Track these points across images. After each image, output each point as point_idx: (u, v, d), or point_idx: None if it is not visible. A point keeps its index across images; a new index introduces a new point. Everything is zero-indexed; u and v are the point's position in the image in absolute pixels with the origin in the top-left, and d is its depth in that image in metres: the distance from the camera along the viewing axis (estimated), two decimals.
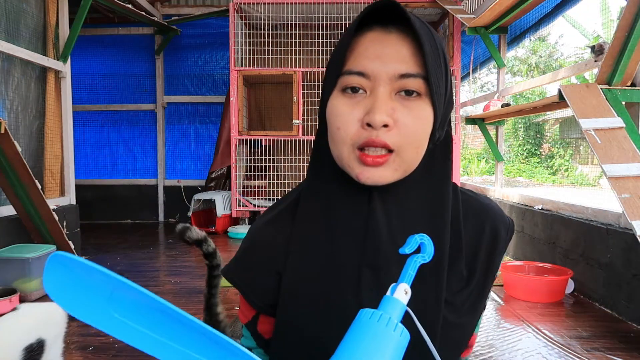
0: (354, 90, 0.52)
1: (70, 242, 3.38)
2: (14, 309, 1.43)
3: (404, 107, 0.51)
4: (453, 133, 4.65)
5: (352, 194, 0.55)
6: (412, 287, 0.46)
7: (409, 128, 0.51)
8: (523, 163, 13.83)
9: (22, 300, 2.85)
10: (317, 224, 0.57)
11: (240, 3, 4.84)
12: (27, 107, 3.67)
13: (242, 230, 5.04)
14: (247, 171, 5.37)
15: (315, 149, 0.59)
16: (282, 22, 5.04)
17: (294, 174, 5.12)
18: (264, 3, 4.82)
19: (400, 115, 0.50)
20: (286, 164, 5.18)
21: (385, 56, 0.50)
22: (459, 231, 0.58)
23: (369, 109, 0.50)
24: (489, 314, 2.59)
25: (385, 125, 0.50)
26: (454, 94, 0.56)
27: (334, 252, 0.55)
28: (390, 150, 0.51)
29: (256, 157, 5.33)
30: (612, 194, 2.23)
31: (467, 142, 14.60)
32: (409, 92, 0.51)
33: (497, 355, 2.08)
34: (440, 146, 0.57)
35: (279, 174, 5.28)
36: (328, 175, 0.57)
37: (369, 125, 0.50)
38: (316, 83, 4.97)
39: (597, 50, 2.64)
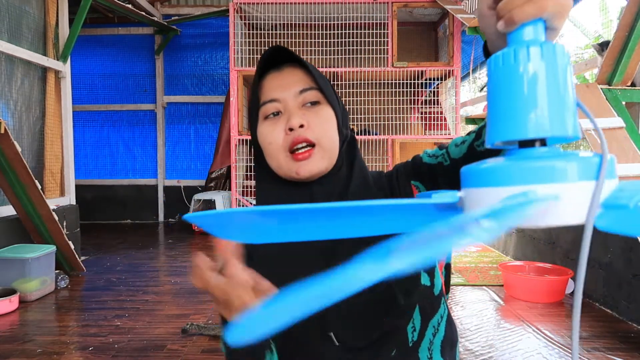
0: (274, 114, 0.70)
1: (70, 242, 3.38)
2: None
3: (312, 112, 0.69)
4: (453, 133, 4.68)
5: (296, 191, 0.71)
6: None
7: (319, 124, 0.68)
8: None
9: (22, 300, 2.85)
10: None
11: (240, 3, 4.84)
12: (30, 108, 3.67)
13: None
14: (247, 171, 5.37)
15: (257, 168, 0.75)
16: (282, 22, 5.04)
17: None
18: (264, 3, 4.81)
19: (310, 118, 0.68)
20: None
21: (285, 83, 0.70)
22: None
23: (287, 119, 0.68)
24: (490, 314, 2.59)
25: (302, 126, 0.67)
26: (345, 108, 0.77)
27: None
28: (312, 145, 0.67)
29: None
30: None
31: None
32: (313, 103, 0.69)
33: (497, 355, 2.07)
34: (349, 146, 0.74)
35: None
36: (274, 182, 0.72)
37: (290, 130, 0.67)
38: None
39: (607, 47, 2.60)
